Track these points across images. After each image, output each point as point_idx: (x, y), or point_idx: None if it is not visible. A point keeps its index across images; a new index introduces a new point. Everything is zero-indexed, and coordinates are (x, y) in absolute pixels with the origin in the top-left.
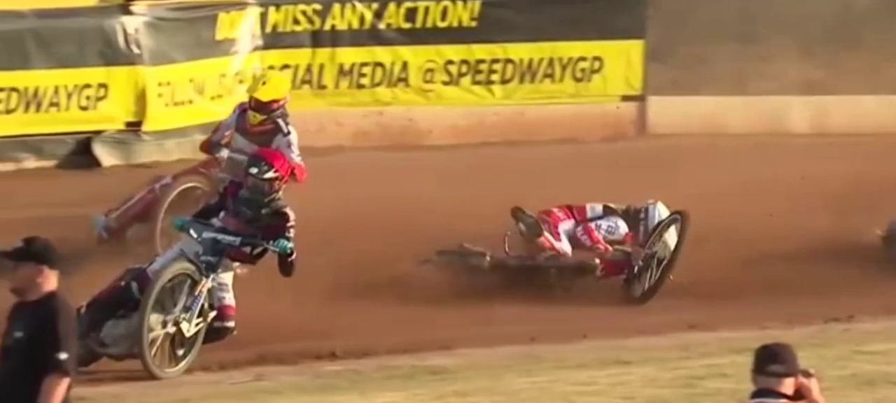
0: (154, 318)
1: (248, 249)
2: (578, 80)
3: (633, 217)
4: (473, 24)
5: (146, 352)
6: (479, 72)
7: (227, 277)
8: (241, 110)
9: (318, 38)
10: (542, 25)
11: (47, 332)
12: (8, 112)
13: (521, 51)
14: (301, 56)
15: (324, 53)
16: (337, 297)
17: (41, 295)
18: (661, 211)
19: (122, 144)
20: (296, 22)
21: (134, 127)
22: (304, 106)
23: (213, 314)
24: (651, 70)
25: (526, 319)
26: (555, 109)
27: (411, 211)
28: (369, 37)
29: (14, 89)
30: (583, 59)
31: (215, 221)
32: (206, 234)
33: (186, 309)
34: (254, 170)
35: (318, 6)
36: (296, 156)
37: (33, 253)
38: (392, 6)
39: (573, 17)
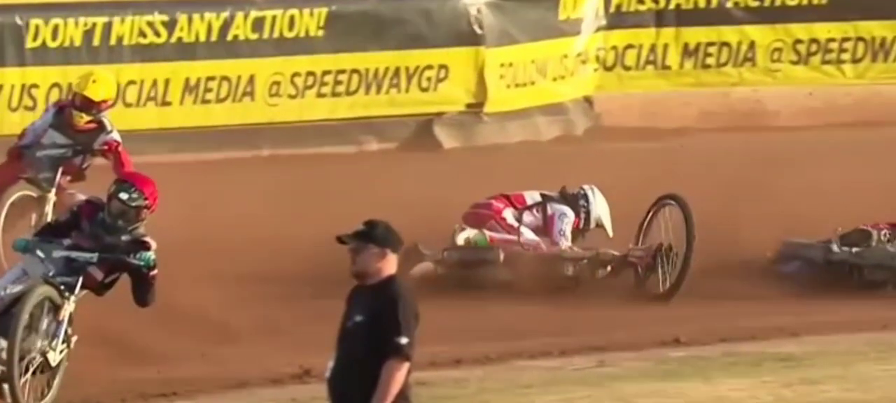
0: (5, 345)
1: (100, 275)
2: None
3: (573, 201)
4: (823, 1)
5: (17, 383)
6: (830, 50)
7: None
8: (58, 108)
9: (662, 18)
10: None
11: (388, 316)
12: (349, 93)
13: (873, 28)
14: (645, 36)
15: (668, 33)
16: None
17: (381, 279)
18: (599, 196)
19: (463, 126)
20: (640, 1)
21: (475, 108)
22: (648, 86)
23: (75, 338)
24: None
25: (875, 306)
26: None
27: (758, 198)
28: (715, 15)
29: (355, 71)
30: None
31: (64, 240)
32: (57, 253)
33: (51, 335)
34: (123, 196)
35: None
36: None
37: (376, 236)
38: None
39: None
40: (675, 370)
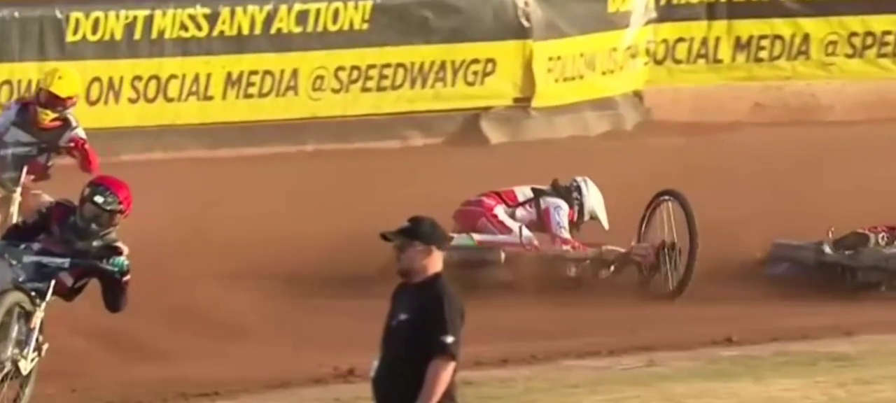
0: None
1: (70, 281)
2: None
3: (566, 194)
4: None
5: None
6: (885, 44)
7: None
8: (21, 105)
9: (713, 10)
10: None
11: (433, 315)
12: (394, 88)
13: None
14: (696, 29)
15: (720, 26)
16: (729, 282)
17: (426, 276)
18: (593, 188)
19: (510, 121)
20: None
21: (522, 103)
22: (699, 80)
23: (46, 346)
24: None
25: None
26: None
27: (807, 193)
28: (768, 8)
29: (401, 65)
30: None
31: (33, 244)
32: (27, 258)
33: (22, 343)
34: (98, 199)
35: None
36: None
37: (421, 233)
38: None
39: None
40: (725, 369)
